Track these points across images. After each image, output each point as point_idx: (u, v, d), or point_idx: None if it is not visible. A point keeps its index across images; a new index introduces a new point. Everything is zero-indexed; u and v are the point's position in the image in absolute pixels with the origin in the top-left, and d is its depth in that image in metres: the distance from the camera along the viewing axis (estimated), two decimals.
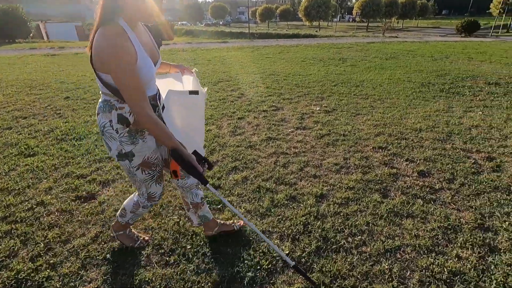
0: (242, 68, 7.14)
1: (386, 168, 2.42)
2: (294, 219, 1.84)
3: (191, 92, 1.38)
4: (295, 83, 5.56)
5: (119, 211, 1.57)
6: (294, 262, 1.33)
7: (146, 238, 1.70)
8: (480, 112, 3.74)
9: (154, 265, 1.53)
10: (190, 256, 1.58)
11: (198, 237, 1.70)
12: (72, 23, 31.28)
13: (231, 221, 1.80)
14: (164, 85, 1.45)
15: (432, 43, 13.09)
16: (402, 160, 2.55)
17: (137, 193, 1.47)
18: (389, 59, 8.35)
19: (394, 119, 3.56)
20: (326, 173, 2.39)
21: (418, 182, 2.21)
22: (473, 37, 18.03)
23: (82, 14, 50.84)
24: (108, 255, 1.59)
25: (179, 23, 46.71)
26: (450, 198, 2.01)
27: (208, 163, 1.31)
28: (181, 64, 1.59)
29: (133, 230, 1.69)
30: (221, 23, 52.56)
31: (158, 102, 1.32)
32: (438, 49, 10.58)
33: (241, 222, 1.78)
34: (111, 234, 1.68)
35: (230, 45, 12.80)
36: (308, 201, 2.00)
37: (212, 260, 1.55)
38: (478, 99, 4.40)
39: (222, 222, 1.75)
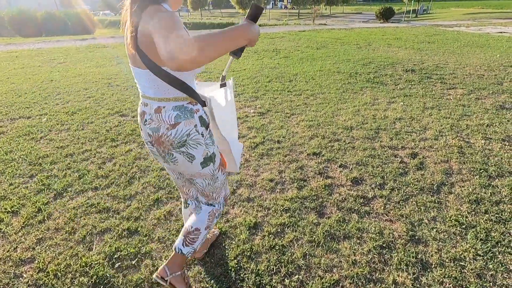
0: None
1: (321, 178, 2.33)
2: (225, 265, 1.59)
3: (222, 85, 1.30)
4: None
5: (182, 239, 1.29)
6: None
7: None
8: (402, 103, 3.96)
9: None
10: None
11: None
12: None
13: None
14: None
15: (357, 29, 13.96)
16: (336, 166, 2.49)
17: (201, 208, 1.34)
18: (320, 49, 8.57)
19: (326, 117, 3.54)
20: (260, 193, 2.19)
21: (352, 192, 2.15)
22: (390, 22, 19.86)
23: None
24: None
25: (101, 13, 41.85)
26: (382, 208, 1.98)
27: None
28: None
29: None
30: None
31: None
32: (362, 36, 11.28)
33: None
34: (165, 278, 1.27)
35: None
36: (241, 236, 1.77)
37: None
38: (398, 88, 4.69)
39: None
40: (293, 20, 24.56)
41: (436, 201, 2.02)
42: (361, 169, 2.42)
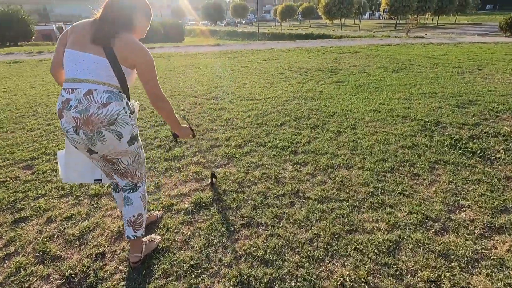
0: (185, 87, 5.34)
1: None
2: None
3: None
4: (230, 117, 3.68)
5: (131, 227, 1.47)
6: None
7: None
8: None
9: None
10: None
11: None
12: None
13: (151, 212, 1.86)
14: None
15: (466, 45, 10.38)
16: None
17: (131, 198, 1.47)
18: (396, 71, 6.14)
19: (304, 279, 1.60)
20: None
21: None
22: None
23: None
24: None
25: (200, 23, 46.03)
26: None
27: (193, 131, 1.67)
28: None
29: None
30: (243, 22, 50.69)
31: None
32: (471, 54, 8.05)
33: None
34: (140, 260, 1.53)
35: (217, 50, 11.03)
36: None
37: None
38: None
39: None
40: (385, 32, 21.13)
41: None
42: None
